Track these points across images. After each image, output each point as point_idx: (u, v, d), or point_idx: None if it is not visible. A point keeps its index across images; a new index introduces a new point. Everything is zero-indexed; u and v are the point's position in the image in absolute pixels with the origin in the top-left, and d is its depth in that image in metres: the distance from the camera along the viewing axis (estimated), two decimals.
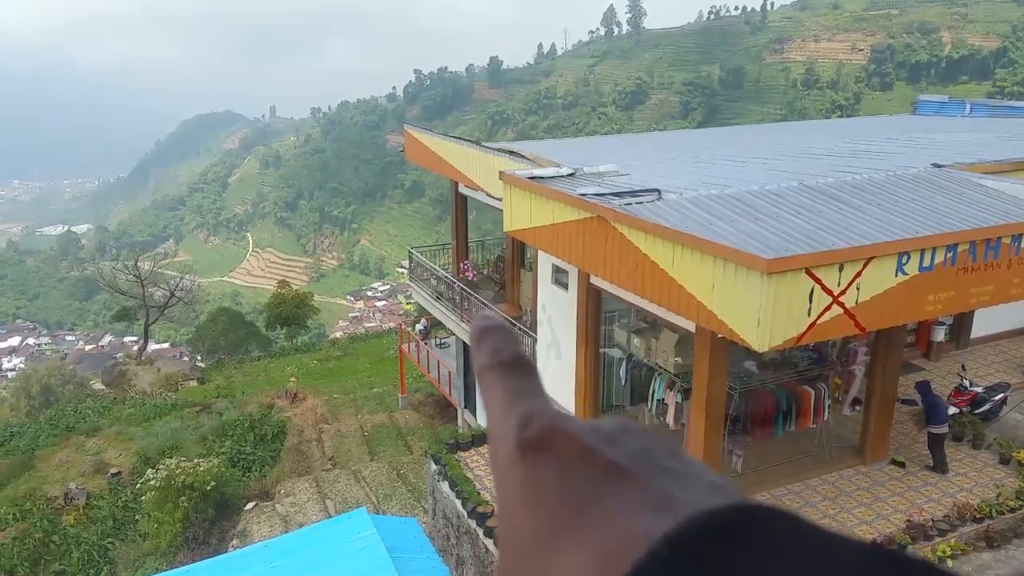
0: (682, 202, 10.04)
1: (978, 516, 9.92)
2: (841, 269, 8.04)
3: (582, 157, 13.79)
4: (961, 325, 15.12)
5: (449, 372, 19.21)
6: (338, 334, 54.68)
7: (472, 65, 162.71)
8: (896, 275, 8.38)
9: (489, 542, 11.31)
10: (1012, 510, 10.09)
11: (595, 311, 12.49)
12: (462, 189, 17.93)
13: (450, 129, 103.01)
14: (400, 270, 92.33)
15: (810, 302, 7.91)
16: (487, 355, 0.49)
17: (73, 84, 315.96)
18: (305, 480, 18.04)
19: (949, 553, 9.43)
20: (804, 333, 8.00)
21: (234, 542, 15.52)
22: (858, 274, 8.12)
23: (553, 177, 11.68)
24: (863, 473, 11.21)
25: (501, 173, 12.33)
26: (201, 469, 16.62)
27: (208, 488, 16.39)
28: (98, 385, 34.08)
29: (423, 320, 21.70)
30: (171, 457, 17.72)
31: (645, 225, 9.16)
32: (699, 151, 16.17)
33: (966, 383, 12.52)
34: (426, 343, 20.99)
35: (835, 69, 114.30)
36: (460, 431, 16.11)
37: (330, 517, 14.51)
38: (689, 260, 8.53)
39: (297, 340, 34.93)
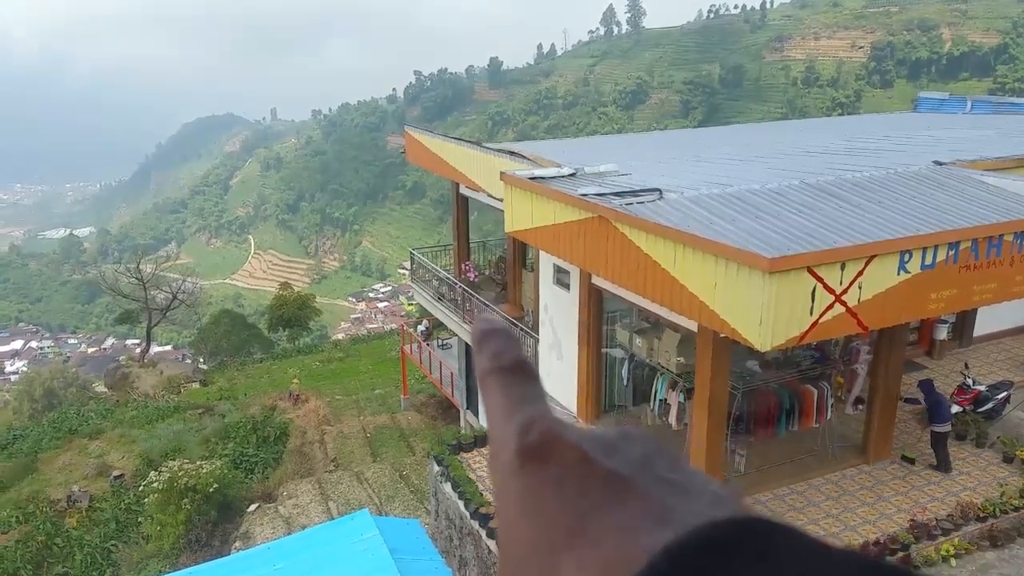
0: (683, 201, 10.03)
1: (982, 515, 9.89)
2: (843, 268, 8.03)
3: (583, 157, 13.78)
4: (964, 323, 15.09)
5: (451, 373, 19.21)
6: (340, 336, 54.71)
7: (472, 66, 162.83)
8: (898, 273, 8.37)
9: (492, 543, 11.30)
10: (1016, 509, 10.07)
11: (597, 311, 12.48)
12: (463, 190, 17.93)
13: (450, 130, 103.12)
14: (402, 271, 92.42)
15: (812, 301, 7.90)
16: (488, 359, 0.48)
17: (73, 84, 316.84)
18: (308, 482, 18.04)
19: (953, 552, 9.41)
20: (806, 332, 7.99)
21: (237, 544, 15.53)
22: (860, 272, 8.10)
23: (554, 177, 11.67)
24: (866, 472, 11.18)
25: (502, 174, 12.33)
26: (204, 471, 16.63)
27: (211, 490, 16.41)
28: (101, 388, 34.14)
29: (425, 321, 21.69)
30: (174, 459, 17.74)
31: (646, 225, 9.15)
32: (700, 150, 16.15)
33: (969, 381, 12.50)
34: (428, 344, 20.99)
35: (835, 67, 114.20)
36: (462, 432, 16.11)
37: (333, 519, 14.52)
38: (691, 259, 8.52)
39: (299, 342, 34.96)
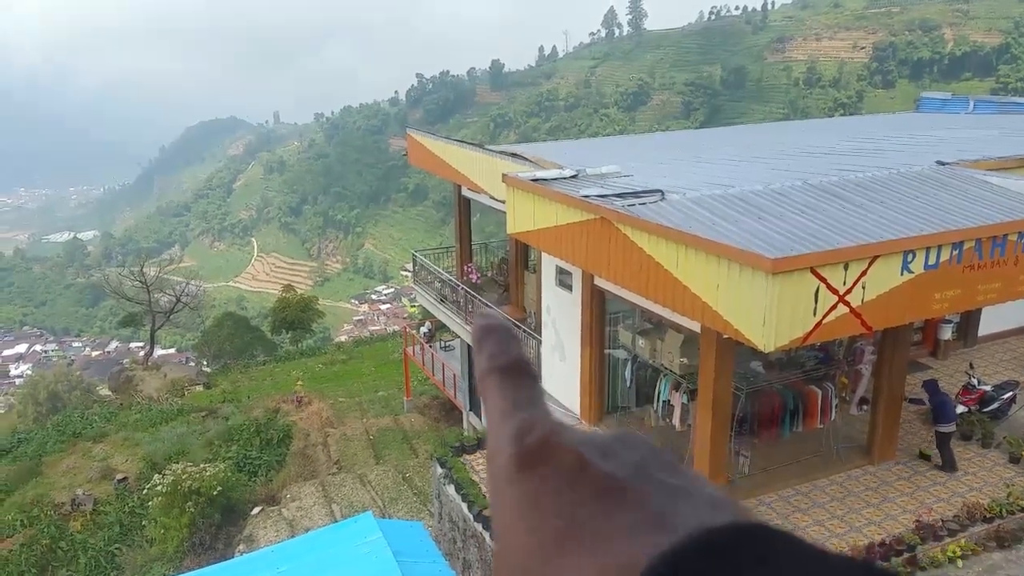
0: (685, 202, 10.02)
1: (988, 516, 9.84)
2: (846, 268, 8.00)
3: (585, 158, 13.77)
4: (968, 323, 15.03)
5: (454, 375, 19.21)
6: (343, 338, 54.78)
7: (474, 69, 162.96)
8: (902, 273, 8.34)
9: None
10: (1022, 509, 10.02)
11: (599, 312, 12.46)
12: (465, 192, 17.93)
13: (452, 132, 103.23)
14: (404, 273, 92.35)
15: (816, 301, 7.88)
16: (486, 359, 0.47)
17: (76, 97, 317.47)
18: (311, 484, 18.04)
19: (959, 554, 9.36)
20: (810, 333, 7.97)
21: (240, 547, 15.53)
22: (863, 273, 8.08)
23: (556, 179, 11.67)
24: (871, 473, 11.14)
25: (504, 175, 12.33)
26: (207, 474, 16.64)
27: (214, 493, 16.42)
28: (105, 391, 34.22)
29: (427, 323, 21.69)
30: (177, 462, 17.75)
31: (649, 226, 9.14)
32: (701, 151, 16.14)
33: (974, 381, 12.45)
34: (431, 346, 20.99)
35: (837, 67, 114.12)
36: (465, 434, 16.09)
37: (336, 521, 14.51)
38: (693, 260, 8.51)
39: (302, 344, 35.00)
